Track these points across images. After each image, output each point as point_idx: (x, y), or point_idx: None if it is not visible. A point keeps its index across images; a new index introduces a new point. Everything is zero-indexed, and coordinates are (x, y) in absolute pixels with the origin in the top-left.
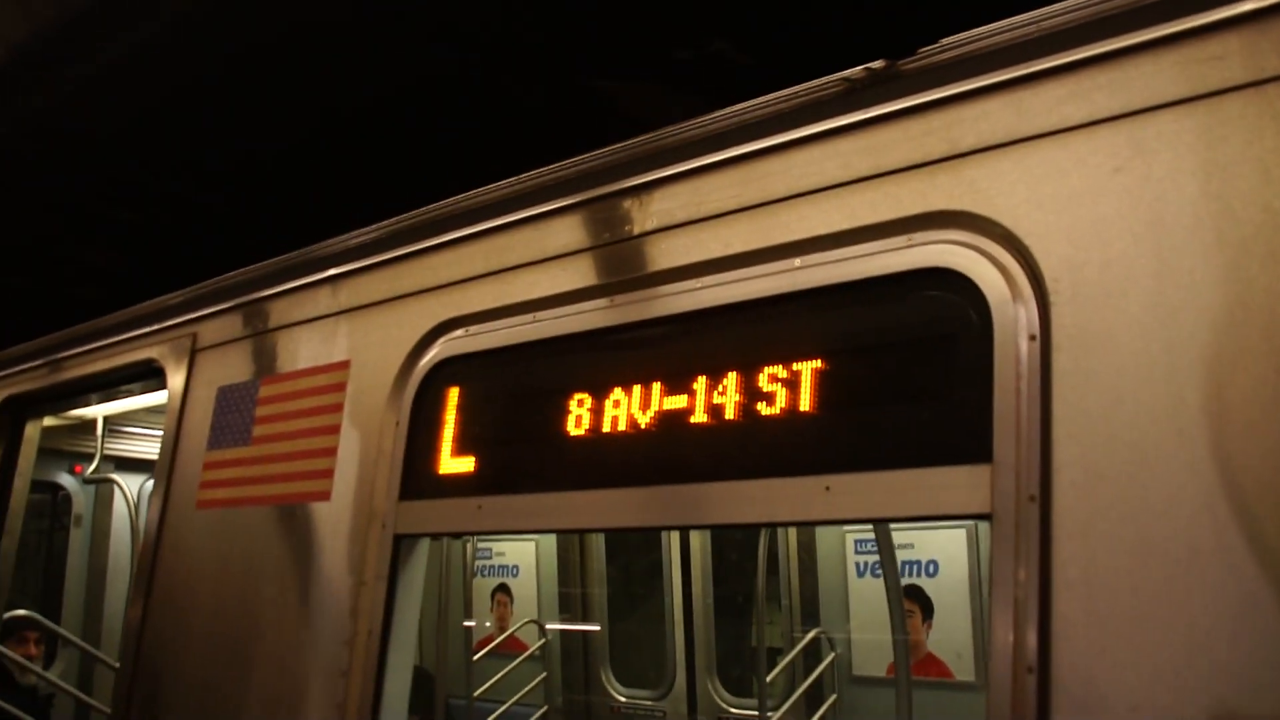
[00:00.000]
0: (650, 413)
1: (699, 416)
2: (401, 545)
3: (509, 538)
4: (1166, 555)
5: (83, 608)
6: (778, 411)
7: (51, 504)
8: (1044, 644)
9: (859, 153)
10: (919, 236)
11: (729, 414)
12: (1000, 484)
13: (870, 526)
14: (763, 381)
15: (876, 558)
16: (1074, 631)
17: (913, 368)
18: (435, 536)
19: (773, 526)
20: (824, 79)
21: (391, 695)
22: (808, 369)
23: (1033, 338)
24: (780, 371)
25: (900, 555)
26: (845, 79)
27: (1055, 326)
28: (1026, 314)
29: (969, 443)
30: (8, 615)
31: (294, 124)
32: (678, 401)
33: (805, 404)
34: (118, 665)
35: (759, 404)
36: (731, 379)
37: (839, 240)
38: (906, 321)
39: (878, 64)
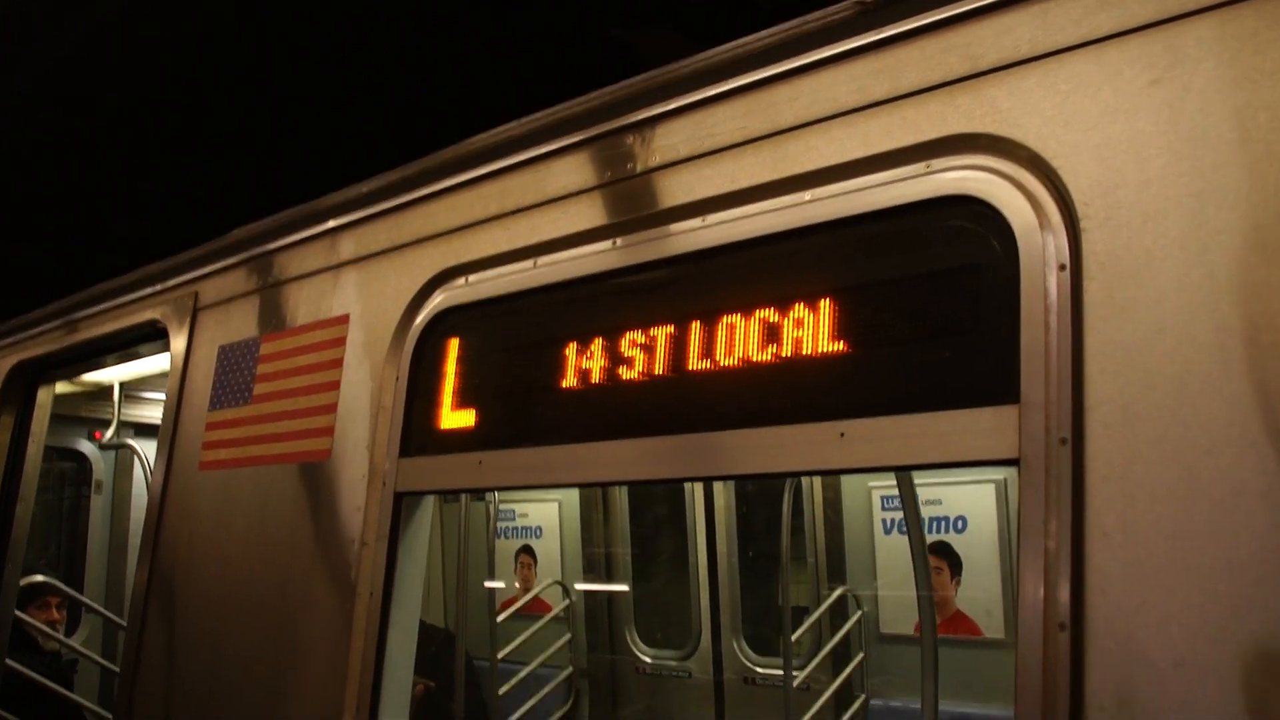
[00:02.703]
0: (654, 359)
1: (705, 362)
2: (403, 503)
3: (531, 499)
4: (1210, 499)
5: (105, 574)
6: (788, 354)
7: (76, 471)
8: (1077, 598)
9: (873, 75)
10: (938, 163)
11: (736, 358)
12: (1028, 426)
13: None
14: (771, 323)
15: (903, 514)
16: (1110, 584)
17: (932, 304)
18: (437, 494)
19: (784, 477)
20: (833, 6)
21: (394, 656)
22: (819, 308)
23: (1062, 267)
24: (790, 311)
25: (927, 511)
26: (858, 2)
27: (1087, 254)
28: (1055, 242)
29: (994, 382)
30: (24, 581)
31: (306, 78)
32: (682, 347)
33: (817, 345)
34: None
35: (768, 347)
36: (738, 321)
37: (852, 170)
38: (925, 255)
39: None
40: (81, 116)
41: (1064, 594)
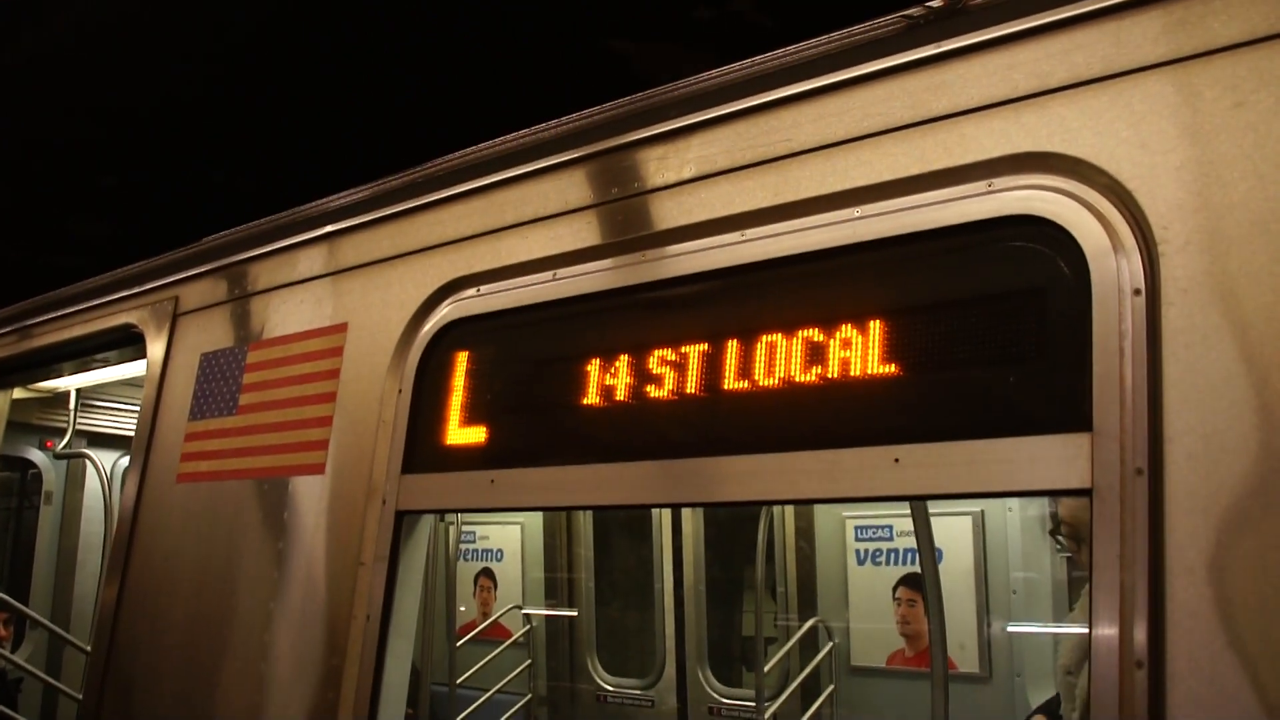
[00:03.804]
0: (686, 378)
1: (743, 382)
2: (404, 522)
3: (493, 520)
4: None
5: (52, 588)
6: (836, 375)
7: (20, 481)
8: (1156, 636)
9: (930, 90)
10: (1000, 181)
11: (776, 378)
12: (1102, 455)
13: (872, 513)
14: (816, 342)
15: (877, 545)
16: (1193, 622)
17: (994, 326)
18: (442, 513)
19: (830, 502)
20: (880, 19)
21: (391, 687)
22: (870, 328)
23: (1137, 292)
24: (837, 331)
25: (902, 543)
26: (905, 16)
27: (1165, 279)
28: (1129, 266)
29: (1063, 410)
30: None
31: (298, 82)
32: (716, 365)
33: (868, 367)
34: (89, 649)
35: (812, 367)
36: (779, 340)
37: (906, 186)
38: (985, 275)
39: (936, 2)
40: (47, 112)
41: (1141, 632)
